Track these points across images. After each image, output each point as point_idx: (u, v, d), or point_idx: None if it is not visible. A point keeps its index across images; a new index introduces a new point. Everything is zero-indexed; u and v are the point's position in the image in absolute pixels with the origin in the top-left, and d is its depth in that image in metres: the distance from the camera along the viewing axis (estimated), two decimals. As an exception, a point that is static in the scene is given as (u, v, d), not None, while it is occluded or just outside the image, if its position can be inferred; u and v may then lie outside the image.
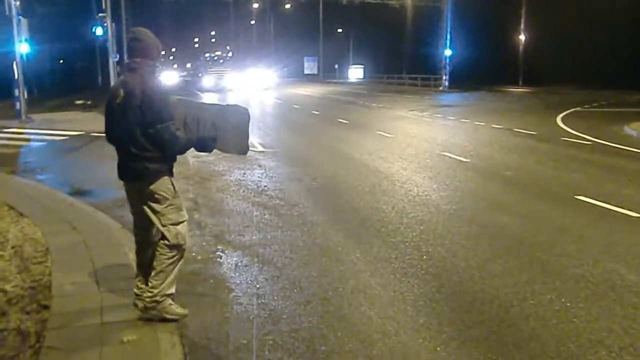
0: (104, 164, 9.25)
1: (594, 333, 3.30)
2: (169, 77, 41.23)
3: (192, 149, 3.41)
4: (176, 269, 3.35)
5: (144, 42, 3.33)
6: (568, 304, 3.66)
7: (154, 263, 3.30)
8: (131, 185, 3.37)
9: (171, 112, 3.23)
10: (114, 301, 3.60)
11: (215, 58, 53.06)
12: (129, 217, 4.97)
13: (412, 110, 21.08)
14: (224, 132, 3.40)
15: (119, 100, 3.22)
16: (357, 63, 60.91)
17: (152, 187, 3.25)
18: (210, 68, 41.70)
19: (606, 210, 6.03)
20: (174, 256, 3.29)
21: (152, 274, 3.29)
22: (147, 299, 3.25)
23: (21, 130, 14.81)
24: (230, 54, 55.63)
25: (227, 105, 3.67)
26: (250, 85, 35.95)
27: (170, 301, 3.35)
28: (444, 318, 3.49)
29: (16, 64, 16.91)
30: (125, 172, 3.35)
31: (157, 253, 3.30)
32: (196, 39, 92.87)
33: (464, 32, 40.27)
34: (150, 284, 3.28)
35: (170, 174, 3.36)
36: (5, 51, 16.85)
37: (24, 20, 16.77)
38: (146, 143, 3.20)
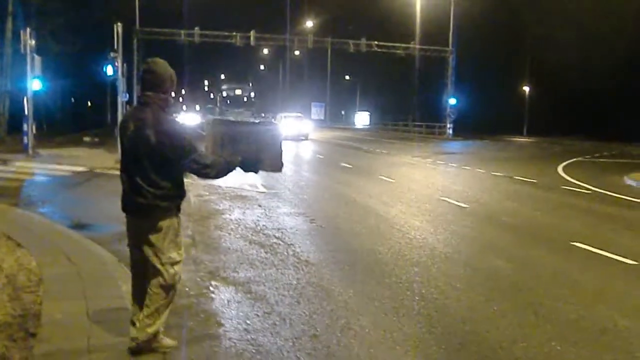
0: (106, 199, 9.34)
1: (584, 377, 3.27)
2: (191, 119, 39.96)
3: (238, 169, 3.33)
4: (169, 309, 3.31)
5: (157, 74, 3.21)
6: (558, 348, 3.63)
7: (147, 302, 3.20)
8: (135, 220, 3.28)
9: (192, 143, 3.18)
10: (103, 331, 3.59)
11: (234, 95, 39.30)
12: (126, 252, 5.01)
13: (415, 156, 21.30)
14: (258, 151, 3.38)
15: (129, 133, 3.19)
16: (363, 109, 62.09)
17: (158, 224, 3.18)
18: (226, 109, 34.93)
19: (602, 257, 6.02)
20: (167, 296, 3.23)
21: (145, 312, 3.19)
22: (141, 338, 3.19)
23: (27, 164, 15.01)
24: (253, 94, 40.89)
25: (260, 122, 3.76)
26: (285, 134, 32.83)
27: (160, 334, 3.33)
28: (431, 358, 3.46)
29: (27, 100, 17.33)
30: (130, 206, 3.25)
31: (151, 292, 3.20)
32: (206, 82, 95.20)
33: (470, 81, 41.19)
34: (144, 323, 3.19)
35: (178, 211, 3.31)
36: (18, 87, 17.29)
37: (37, 58, 17.27)
38: (159, 179, 3.13)
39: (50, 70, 20.89)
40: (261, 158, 3.36)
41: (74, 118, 35.54)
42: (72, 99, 40.81)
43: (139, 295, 3.32)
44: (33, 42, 16.88)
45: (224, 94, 37.85)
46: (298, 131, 30.05)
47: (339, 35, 41.89)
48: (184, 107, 77.05)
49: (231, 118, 27.69)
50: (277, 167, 3.48)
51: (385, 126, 52.72)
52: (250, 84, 42.27)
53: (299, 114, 34.73)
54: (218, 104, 36.09)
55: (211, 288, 4.78)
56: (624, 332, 3.94)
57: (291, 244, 6.45)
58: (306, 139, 30.19)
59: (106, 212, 8.19)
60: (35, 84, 17.39)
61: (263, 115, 41.94)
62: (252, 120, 25.65)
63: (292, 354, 3.48)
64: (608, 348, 3.67)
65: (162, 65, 3.26)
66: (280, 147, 3.51)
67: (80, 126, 31.00)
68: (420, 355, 3.50)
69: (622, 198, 10.69)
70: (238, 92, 38.26)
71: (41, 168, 14.03)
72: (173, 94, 3.51)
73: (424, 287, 4.85)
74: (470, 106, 41.11)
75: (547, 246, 6.62)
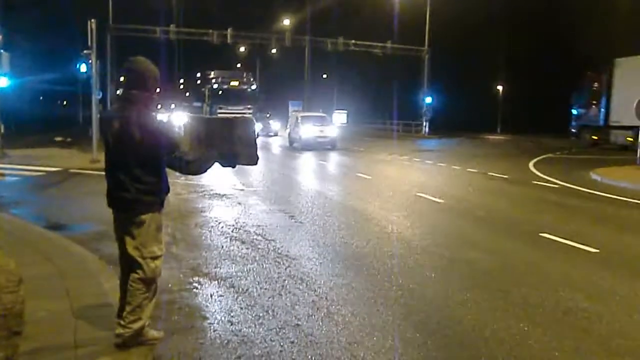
0: (83, 199, 9.28)
1: (547, 352, 3.54)
2: (178, 118, 37.98)
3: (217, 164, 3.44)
4: (152, 302, 3.39)
5: (139, 73, 3.28)
6: (525, 329, 3.87)
7: (129, 298, 3.28)
8: (120, 215, 3.36)
9: (176, 140, 3.29)
10: (88, 327, 3.65)
11: (229, 88, 28.30)
12: (106, 250, 5.05)
13: (392, 154, 21.59)
14: (232, 144, 3.46)
15: (114, 130, 3.26)
16: (340, 108, 62.28)
17: (141, 217, 3.26)
18: (219, 106, 25.43)
19: (568, 246, 6.32)
20: (148, 290, 3.32)
21: (128, 309, 3.27)
22: (127, 335, 3.27)
23: (-4, 165, 14.63)
24: (255, 86, 29.19)
25: (234, 116, 3.81)
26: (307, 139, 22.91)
27: (146, 327, 3.41)
28: (409, 342, 3.64)
29: (-6, 98, 16.77)
30: (115, 200, 3.34)
31: (132, 288, 3.28)
32: (182, 80, 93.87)
33: (446, 80, 41.88)
34: (127, 320, 3.26)
35: (161, 207, 3.40)
36: None
37: (5, 54, 16.75)
38: (143, 174, 3.22)
39: (17, 67, 20.28)
40: (237, 152, 3.48)
41: (43, 117, 34.62)
42: (41, 98, 39.80)
43: (125, 291, 3.39)
44: (0, 37, 16.41)
45: (215, 86, 26.16)
46: (321, 137, 22.68)
47: (316, 33, 41.92)
48: (159, 106, 75.77)
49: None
50: (252, 160, 3.59)
51: (363, 124, 53.11)
52: (251, 75, 29.15)
53: (323, 114, 25.94)
54: (207, 100, 25.94)
55: (194, 283, 4.87)
56: (585, 313, 4.23)
57: (271, 240, 6.57)
58: (333, 148, 22.29)
59: (84, 212, 8.17)
60: (2, 82, 16.86)
61: (269, 114, 33.34)
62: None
63: (276, 342, 3.61)
64: (570, 327, 3.95)
65: (143, 63, 3.34)
66: (255, 141, 3.62)
67: (51, 126, 30.28)
68: (398, 339, 3.68)
69: (588, 192, 11.13)
70: (234, 83, 26.77)
71: (12, 169, 13.71)
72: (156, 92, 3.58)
73: (401, 278, 5.04)
74: (446, 104, 41.82)
75: (518, 238, 6.89)
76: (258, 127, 24.64)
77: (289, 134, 25.18)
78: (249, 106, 25.37)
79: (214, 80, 26.71)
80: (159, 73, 3.39)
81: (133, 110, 3.24)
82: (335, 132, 23.65)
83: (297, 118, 24.54)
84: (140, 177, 3.23)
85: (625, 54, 23.60)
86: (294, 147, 23.91)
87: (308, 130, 22.98)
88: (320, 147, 22.22)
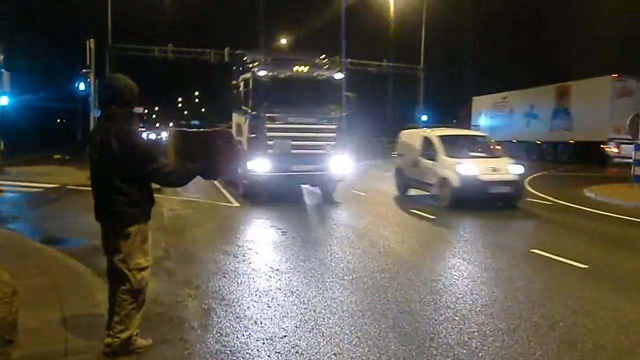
0: (78, 215, 9.35)
1: (531, 365, 3.59)
2: (162, 132, 37.40)
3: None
4: (140, 313, 3.46)
5: (117, 89, 3.40)
6: (510, 341, 3.93)
7: (117, 309, 3.35)
8: (106, 227, 3.45)
9: (154, 153, 3.38)
10: (79, 336, 3.71)
11: (291, 78, 11.12)
12: (100, 264, 5.09)
13: (388, 171, 21.66)
14: (213, 157, 3.55)
15: (96, 144, 3.37)
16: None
17: (126, 230, 3.35)
18: (270, 113, 11.02)
19: (557, 262, 6.39)
20: (135, 301, 3.39)
21: (116, 319, 3.34)
22: (115, 344, 3.34)
23: (-5, 182, 14.69)
24: (338, 75, 12.28)
25: (214, 130, 3.91)
26: None
27: (134, 337, 3.48)
28: (393, 354, 3.69)
29: (-6, 116, 16.90)
30: (101, 213, 3.43)
31: (119, 299, 3.35)
32: (180, 99, 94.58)
33: (443, 98, 42.45)
34: (116, 330, 3.33)
35: (147, 218, 3.48)
36: None
37: (5, 74, 16.92)
38: (126, 187, 3.31)
39: (17, 85, 20.47)
40: (218, 165, 3.58)
41: (42, 135, 34.78)
42: (40, 115, 40.08)
43: (114, 302, 3.46)
44: (1, 57, 16.62)
45: (261, 73, 11.27)
46: (498, 182, 10.65)
47: (312, 52, 42.44)
48: (157, 124, 76.34)
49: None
50: (233, 172, 3.71)
51: (359, 141, 53.37)
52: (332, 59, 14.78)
53: (482, 133, 16.22)
54: (245, 102, 11.73)
55: (185, 296, 4.92)
56: (570, 327, 4.27)
57: (263, 254, 6.64)
58: (515, 202, 11.08)
59: (80, 227, 8.22)
60: (2, 100, 17.01)
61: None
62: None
63: (263, 353, 3.67)
64: (554, 340, 3.99)
65: (122, 79, 3.46)
66: (234, 153, 3.73)
67: (49, 143, 30.41)
68: (383, 351, 3.74)
69: (581, 209, 11.22)
70: (301, 68, 11.63)
71: (10, 185, 13.80)
72: (145, 109, 3.71)
73: (390, 292, 5.11)
74: (442, 122, 42.19)
75: (508, 253, 6.96)
76: (342, 161, 11.94)
77: (400, 171, 13.45)
78: (331, 115, 12.07)
79: (259, 67, 11.94)
80: (137, 89, 3.49)
81: (112, 125, 3.35)
82: (521, 170, 11.46)
83: (425, 140, 12.26)
84: (123, 190, 3.32)
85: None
86: (410, 196, 12.75)
87: (469, 169, 10.71)
88: (494, 201, 10.91)
